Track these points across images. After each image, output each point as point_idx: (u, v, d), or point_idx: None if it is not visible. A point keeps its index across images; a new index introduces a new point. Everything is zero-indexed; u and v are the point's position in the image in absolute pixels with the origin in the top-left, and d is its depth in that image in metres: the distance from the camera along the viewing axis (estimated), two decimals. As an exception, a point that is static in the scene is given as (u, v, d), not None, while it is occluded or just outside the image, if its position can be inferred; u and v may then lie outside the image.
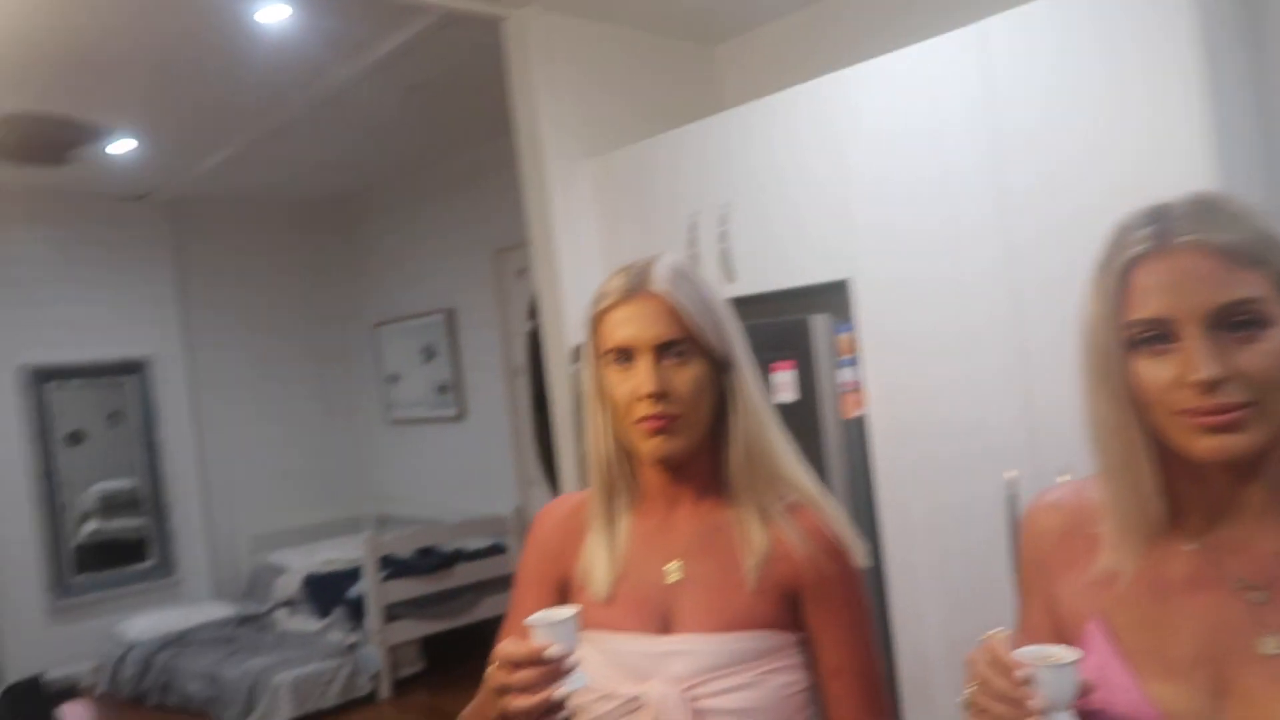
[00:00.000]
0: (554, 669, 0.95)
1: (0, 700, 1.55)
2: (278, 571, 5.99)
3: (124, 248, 5.93)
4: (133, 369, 5.96)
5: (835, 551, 1.11)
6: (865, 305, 2.18)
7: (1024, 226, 1.90)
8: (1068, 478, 1.80)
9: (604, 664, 1.08)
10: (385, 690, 5.08)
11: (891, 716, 1.14)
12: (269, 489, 6.44)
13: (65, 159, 3.70)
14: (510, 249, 5.54)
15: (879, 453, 2.16)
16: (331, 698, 4.83)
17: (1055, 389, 1.84)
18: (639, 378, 1.08)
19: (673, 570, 1.12)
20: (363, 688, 5.00)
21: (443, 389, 6.13)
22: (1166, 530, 0.92)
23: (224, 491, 6.26)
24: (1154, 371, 0.86)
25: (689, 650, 1.06)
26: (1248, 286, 0.83)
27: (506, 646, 0.96)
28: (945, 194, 2.03)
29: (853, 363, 2.19)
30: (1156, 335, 0.85)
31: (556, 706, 0.95)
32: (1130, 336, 0.87)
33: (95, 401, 5.89)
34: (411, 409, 6.41)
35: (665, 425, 1.07)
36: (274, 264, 6.53)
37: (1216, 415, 0.82)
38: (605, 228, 2.79)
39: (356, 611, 5.24)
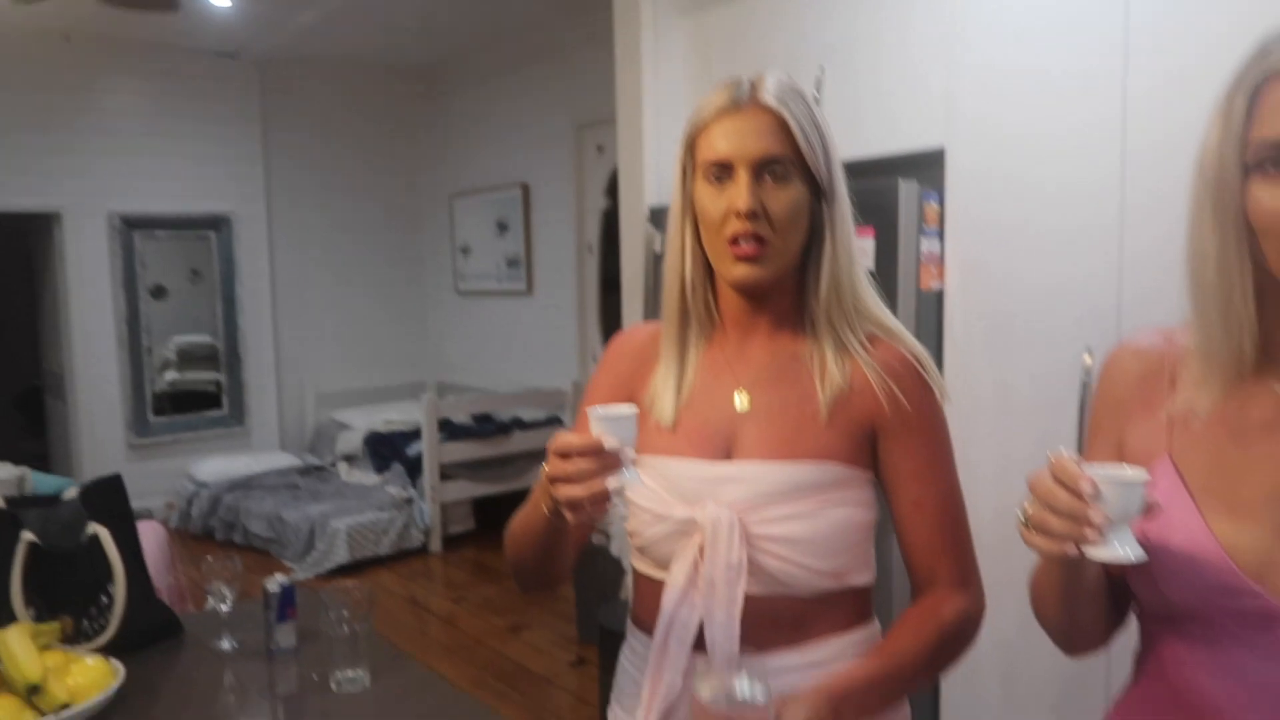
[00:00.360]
0: (608, 460, 0.92)
1: (83, 493, 1.62)
2: (341, 428, 6.20)
3: (215, 104, 5.99)
4: (216, 224, 6.08)
5: (917, 384, 1.06)
6: (957, 175, 2.09)
7: (1144, 131, 1.77)
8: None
9: (661, 487, 1.06)
10: (436, 544, 5.27)
11: (972, 549, 1.08)
12: (337, 350, 6.60)
13: (174, 4, 3.69)
14: (591, 125, 5.45)
15: (952, 328, 2.09)
16: (385, 546, 5.02)
17: (1145, 280, 1.75)
18: (736, 193, 1.02)
19: (741, 398, 1.09)
20: (414, 540, 5.19)
21: (513, 263, 6.15)
22: (1253, 371, 0.86)
23: (294, 349, 6.44)
24: (1266, 197, 0.79)
25: (747, 476, 1.04)
26: None
27: (563, 436, 0.94)
28: (1060, 64, 1.90)
29: (937, 234, 2.11)
30: (1268, 158, 0.78)
31: (605, 498, 0.91)
32: (1254, 158, 0.80)
33: (179, 255, 6.05)
34: (480, 281, 6.45)
35: (756, 252, 1.02)
36: (356, 129, 6.54)
37: None
38: (694, 92, 2.70)
39: (414, 469, 5.41)
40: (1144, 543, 0.80)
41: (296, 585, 1.66)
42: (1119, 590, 0.95)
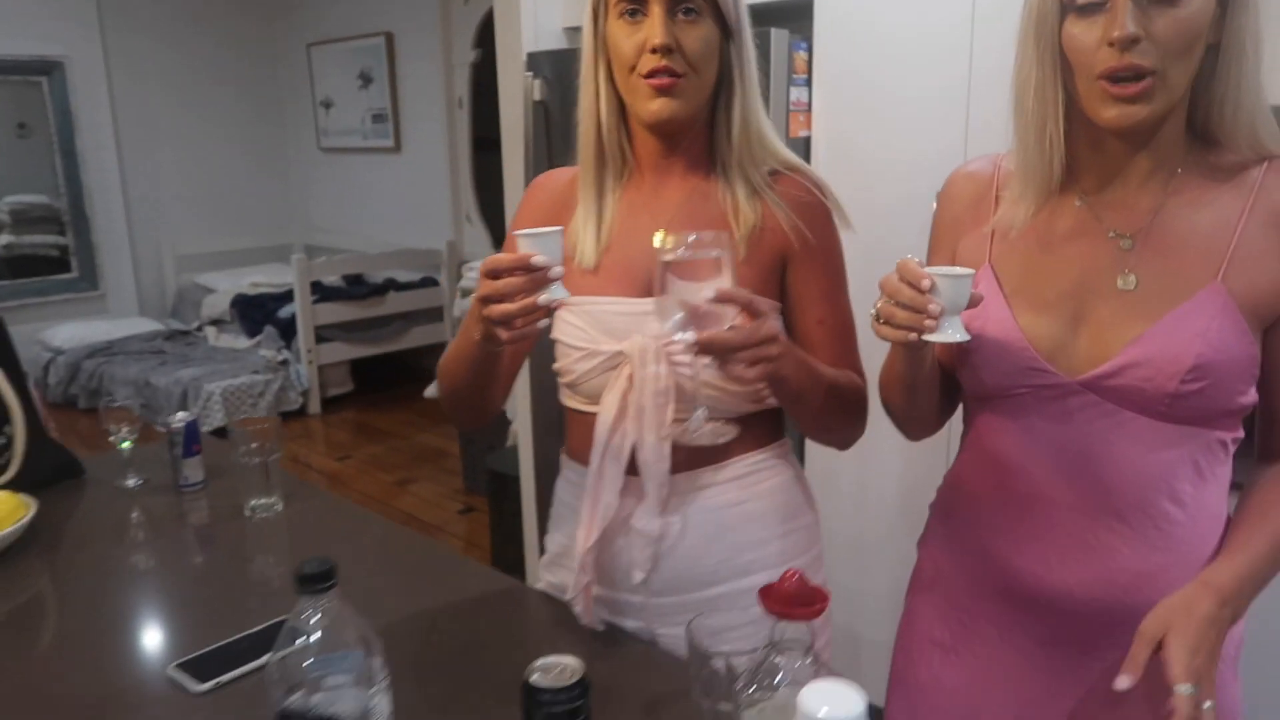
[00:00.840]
0: (538, 276, 0.95)
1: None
2: (205, 291, 5.98)
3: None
4: (47, 69, 5.58)
5: (821, 215, 1.14)
6: (824, 25, 2.18)
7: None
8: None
9: (588, 325, 1.12)
10: (315, 406, 5.26)
11: (859, 362, 1.20)
12: (194, 210, 6.28)
13: None
14: (456, -31, 5.23)
15: (819, 173, 2.22)
16: (261, 409, 4.98)
17: (992, 120, 1.91)
18: (651, 28, 1.04)
19: (659, 238, 1.12)
20: (293, 402, 5.17)
21: (378, 118, 5.93)
22: (1059, 190, 1.02)
23: (147, 209, 6.09)
24: (1083, 33, 0.92)
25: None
26: None
27: (493, 257, 0.97)
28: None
29: (805, 82, 2.21)
30: (1082, 2, 0.91)
31: (536, 313, 0.96)
32: (1065, 2, 0.93)
33: (6, 104, 5.55)
34: (345, 137, 6.21)
35: (671, 85, 1.05)
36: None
37: (1131, 83, 0.89)
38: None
39: (286, 332, 5.32)
40: (975, 338, 0.98)
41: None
42: (950, 384, 1.12)
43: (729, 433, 1.11)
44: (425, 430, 5.01)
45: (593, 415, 1.13)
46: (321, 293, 5.30)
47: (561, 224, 1.13)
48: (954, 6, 1.97)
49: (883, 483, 2.21)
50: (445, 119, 5.51)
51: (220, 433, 4.81)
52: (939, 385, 1.11)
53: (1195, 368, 0.93)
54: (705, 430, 1.05)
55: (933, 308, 0.90)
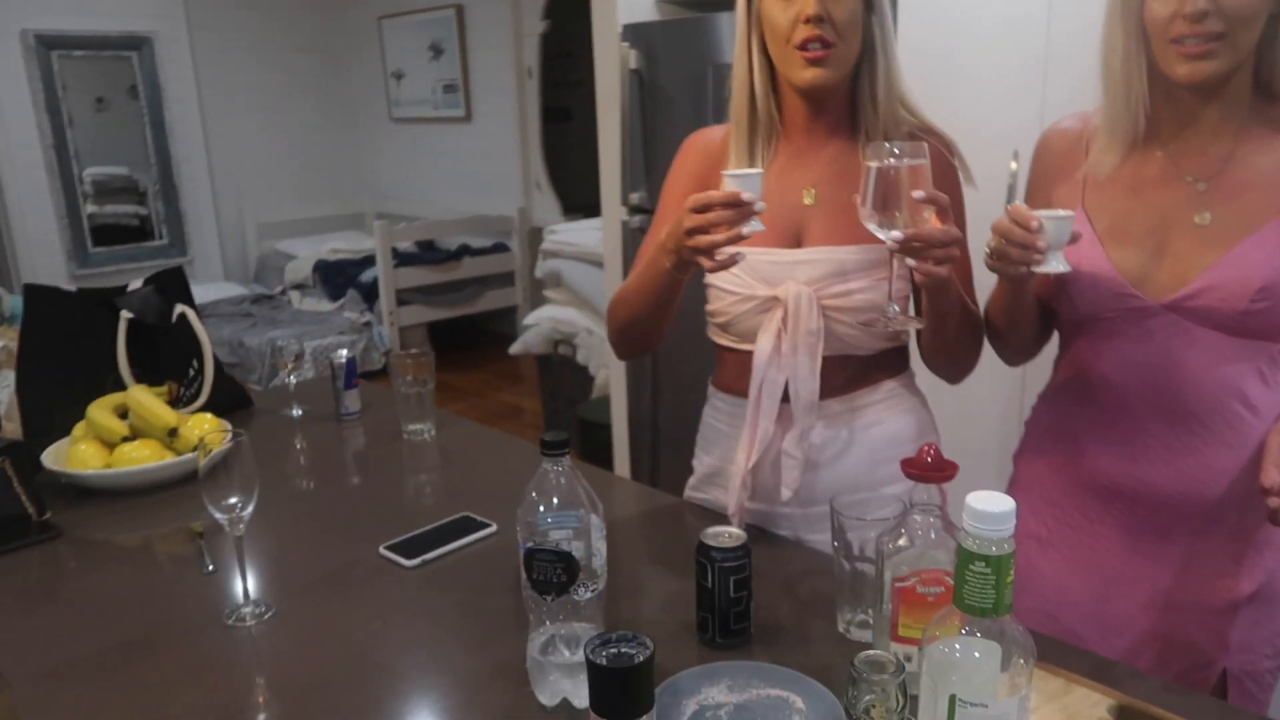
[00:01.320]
0: (745, 210, 1.09)
1: (156, 281, 1.82)
2: (287, 258, 6.26)
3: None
4: (137, 45, 5.87)
5: (952, 171, 1.29)
6: (909, 3, 2.31)
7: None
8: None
9: (743, 273, 1.27)
10: (396, 367, 5.53)
11: (978, 303, 1.34)
12: (273, 180, 6.56)
13: None
14: (527, -59, 5.38)
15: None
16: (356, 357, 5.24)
17: (1065, 100, 2.04)
18: (802, 2, 1.17)
19: (808, 195, 1.28)
20: (376, 361, 5.43)
21: (449, 88, 6.13)
22: (1143, 141, 1.18)
23: (230, 179, 6.37)
24: (1162, 7, 1.08)
25: (818, 259, 1.25)
26: None
27: (700, 195, 1.10)
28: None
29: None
30: None
31: (739, 241, 1.10)
32: None
33: (101, 77, 5.84)
34: (416, 108, 6.43)
35: (824, 56, 1.18)
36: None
37: (1202, 44, 1.05)
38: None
39: (368, 295, 5.58)
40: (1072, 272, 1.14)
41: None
42: (1046, 313, 1.29)
43: (918, 322, 1.24)
44: (502, 389, 5.25)
45: (745, 352, 1.30)
46: (399, 258, 5.54)
47: (716, 178, 1.26)
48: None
49: (982, 407, 2.37)
50: (515, 89, 5.69)
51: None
52: (1037, 314, 1.28)
53: (1263, 289, 1.09)
54: (899, 319, 1.19)
55: (1040, 244, 1.06)
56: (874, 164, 1.09)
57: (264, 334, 5.25)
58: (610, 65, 2.85)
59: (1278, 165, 1.12)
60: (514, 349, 4.28)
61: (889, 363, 1.35)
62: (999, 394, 2.18)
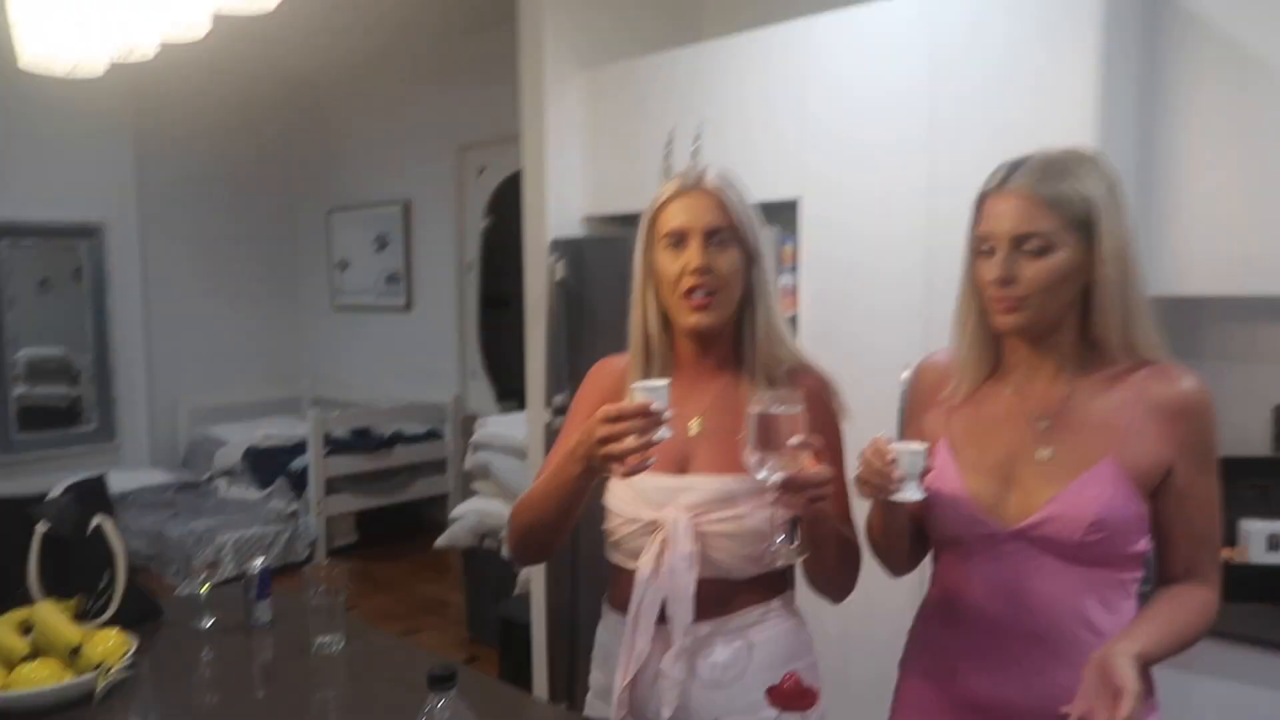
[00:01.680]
0: (655, 419, 1.18)
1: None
2: (218, 443, 6.21)
3: (84, 109, 5.88)
4: (87, 233, 6.00)
5: (829, 407, 1.43)
6: (808, 222, 2.55)
7: (948, 193, 2.28)
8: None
9: (631, 496, 1.38)
10: (320, 556, 5.41)
11: (854, 525, 1.44)
12: (211, 365, 6.59)
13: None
14: (473, 146, 5.73)
15: (805, 347, 2.55)
16: (270, 560, 5.12)
17: (945, 314, 2.25)
18: (689, 256, 1.34)
19: (694, 425, 1.40)
20: (300, 553, 5.32)
21: (392, 279, 6.34)
22: (997, 380, 1.35)
23: (167, 364, 6.39)
24: (982, 270, 1.28)
25: (701, 486, 1.35)
26: (1043, 223, 1.21)
27: (612, 405, 1.20)
28: (885, 132, 2.39)
29: (792, 270, 2.57)
30: (985, 249, 1.27)
31: (650, 451, 1.18)
32: (976, 247, 1.30)
33: (46, 263, 5.92)
34: (359, 296, 6.60)
35: (706, 303, 1.34)
36: (232, 140, 6.55)
37: (1005, 304, 1.25)
38: (590, 136, 3.08)
39: (297, 484, 5.53)
40: (928, 492, 1.27)
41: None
42: (921, 531, 1.39)
43: (803, 553, 1.29)
44: (429, 581, 5.16)
45: (631, 571, 1.38)
46: (332, 445, 5.54)
47: (618, 399, 1.37)
48: (912, 219, 2.34)
49: (866, 624, 2.43)
50: (455, 279, 5.91)
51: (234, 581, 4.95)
52: (911, 532, 1.38)
53: (1095, 522, 1.21)
54: (783, 550, 1.27)
55: (895, 474, 1.20)
56: (755, 410, 1.20)
57: (186, 524, 5.15)
58: (539, 275, 3.04)
59: (1108, 409, 1.27)
60: (440, 542, 4.26)
61: (769, 584, 1.42)
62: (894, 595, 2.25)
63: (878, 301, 2.43)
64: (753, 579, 1.39)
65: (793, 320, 2.60)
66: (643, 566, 1.36)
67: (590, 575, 2.89)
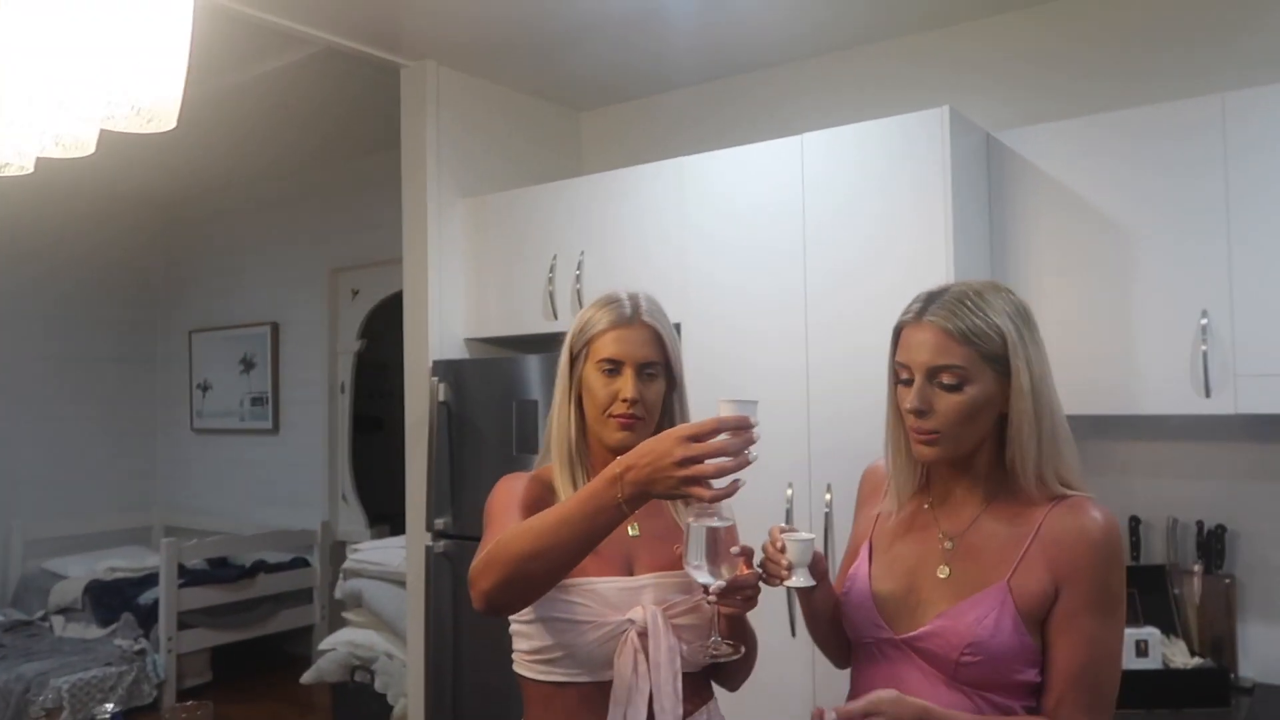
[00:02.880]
0: (749, 436, 1.16)
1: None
2: (54, 578, 5.71)
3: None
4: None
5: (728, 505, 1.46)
6: (690, 346, 2.64)
7: (820, 301, 2.42)
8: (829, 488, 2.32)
9: (592, 602, 1.37)
10: (170, 699, 4.98)
11: None
12: (49, 492, 6.12)
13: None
14: (346, 269, 5.68)
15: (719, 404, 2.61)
16: (113, 704, 4.69)
17: (828, 431, 2.36)
18: (623, 385, 1.41)
19: (632, 528, 1.45)
20: (146, 695, 4.88)
21: (258, 400, 6.11)
22: (920, 494, 1.41)
23: (0, 492, 5.92)
24: (901, 397, 1.35)
25: (658, 584, 1.40)
26: (956, 357, 1.27)
27: (696, 423, 1.16)
28: (761, 270, 2.53)
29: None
30: (904, 378, 1.34)
31: (743, 467, 1.16)
32: (897, 374, 1.37)
33: None
34: (221, 419, 6.32)
35: (632, 423, 1.42)
36: (88, 255, 6.28)
37: (922, 435, 1.31)
38: (472, 259, 3.13)
39: (145, 619, 5.12)
40: (843, 595, 1.37)
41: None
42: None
43: (737, 651, 1.36)
44: (291, 720, 4.82)
45: (586, 685, 1.36)
46: (186, 576, 5.19)
47: (548, 501, 1.40)
48: (790, 356, 2.46)
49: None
50: (325, 402, 5.75)
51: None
52: (836, 625, 1.45)
53: (971, 644, 1.25)
54: (725, 649, 1.32)
55: (784, 561, 1.28)
56: (699, 524, 1.23)
57: (14, 669, 4.66)
58: (420, 396, 3.01)
59: (1008, 537, 1.30)
60: (306, 678, 4.01)
61: (709, 680, 1.49)
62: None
63: (761, 419, 2.51)
64: (703, 672, 1.45)
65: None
66: (623, 671, 1.34)
67: (478, 705, 2.78)
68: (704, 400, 2.59)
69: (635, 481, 1.17)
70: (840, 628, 1.44)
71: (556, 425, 1.49)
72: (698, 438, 1.14)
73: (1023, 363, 1.27)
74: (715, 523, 1.24)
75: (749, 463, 1.16)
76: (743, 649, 1.37)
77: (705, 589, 1.27)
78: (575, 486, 1.43)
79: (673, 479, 1.14)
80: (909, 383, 1.31)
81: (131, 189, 6.16)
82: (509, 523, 1.37)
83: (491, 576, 1.26)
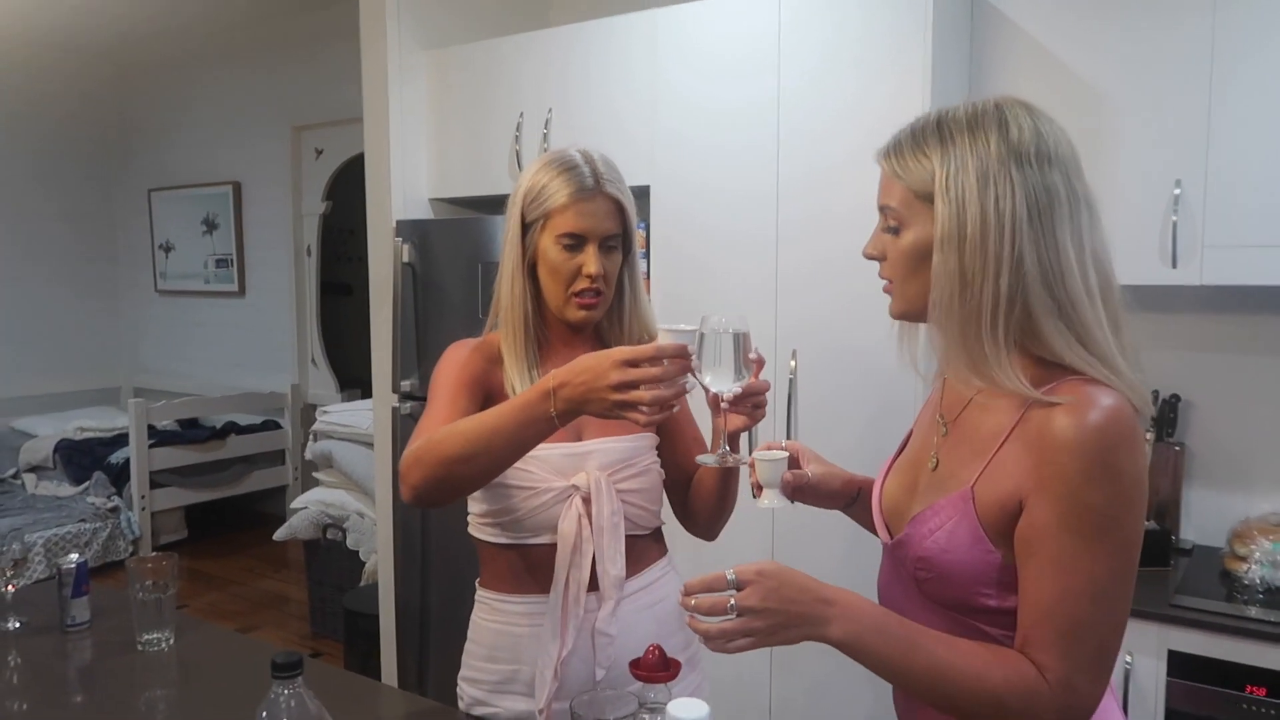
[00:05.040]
0: (687, 363, 1.13)
1: None
2: (24, 437, 5.73)
3: None
4: None
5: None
6: (659, 209, 2.59)
7: (793, 161, 2.36)
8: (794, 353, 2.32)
9: (536, 468, 1.36)
10: (145, 554, 5.08)
11: None
12: (15, 354, 6.05)
13: None
14: (308, 127, 5.49)
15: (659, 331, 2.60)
16: (89, 559, 4.76)
17: (796, 297, 2.35)
18: (587, 261, 1.37)
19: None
20: (121, 551, 4.97)
21: (222, 262, 6.00)
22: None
23: (-38, 350, 5.84)
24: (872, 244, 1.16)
25: (604, 450, 1.40)
26: (892, 197, 1.06)
27: (633, 348, 1.12)
28: (734, 128, 2.45)
29: (644, 255, 2.60)
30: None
31: (681, 395, 1.14)
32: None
33: None
34: (185, 281, 6.21)
35: (595, 302, 1.40)
36: (33, 114, 6.03)
37: (886, 287, 1.10)
38: (434, 119, 3.01)
39: (118, 478, 5.17)
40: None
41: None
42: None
43: (743, 459, 1.31)
44: (266, 576, 4.94)
45: (536, 546, 1.38)
46: (157, 437, 5.21)
47: (494, 380, 1.41)
48: (762, 215, 2.41)
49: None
50: (292, 265, 5.65)
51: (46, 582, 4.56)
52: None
53: (921, 558, 1.05)
54: (730, 457, 1.25)
55: (756, 479, 1.23)
56: (723, 330, 1.17)
57: (-12, 524, 4.72)
58: (384, 257, 2.95)
59: (990, 430, 1.04)
60: (279, 534, 4.08)
61: (658, 542, 1.51)
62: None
63: (726, 288, 2.49)
64: (651, 533, 1.48)
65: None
66: (565, 533, 1.36)
67: (444, 562, 2.84)
68: (672, 270, 2.58)
69: (569, 399, 1.16)
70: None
71: (510, 297, 1.43)
72: (634, 363, 1.12)
73: (951, 202, 0.99)
74: (740, 328, 1.17)
75: (685, 392, 1.15)
76: (745, 461, 1.30)
77: (717, 397, 1.21)
78: (529, 364, 1.41)
79: (607, 401, 1.13)
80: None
81: (78, 38, 5.82)
82: (449, 404, 1.36)
83: (420, 473, 1.25)
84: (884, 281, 1.11)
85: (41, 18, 5.24)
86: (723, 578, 0.96)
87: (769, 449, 1.24)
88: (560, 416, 1.18)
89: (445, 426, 1.27)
